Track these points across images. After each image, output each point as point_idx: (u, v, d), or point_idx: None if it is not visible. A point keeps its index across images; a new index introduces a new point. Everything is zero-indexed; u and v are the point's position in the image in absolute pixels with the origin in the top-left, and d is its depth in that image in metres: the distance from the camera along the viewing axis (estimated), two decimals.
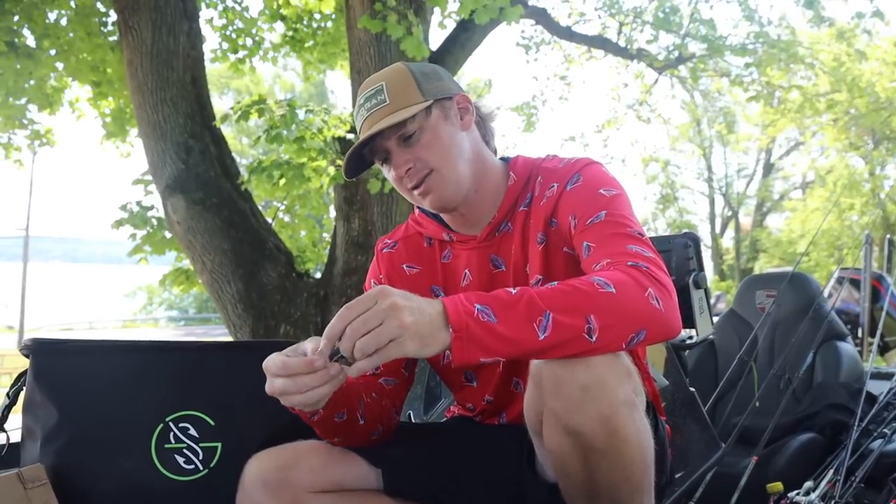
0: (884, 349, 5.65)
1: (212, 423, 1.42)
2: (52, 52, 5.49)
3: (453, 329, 1.00)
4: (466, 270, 1.41)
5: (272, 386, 1.05)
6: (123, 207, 5.33)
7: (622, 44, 8.01)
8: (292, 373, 1.03)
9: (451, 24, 6.03)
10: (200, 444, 1.40)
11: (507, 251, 1.39)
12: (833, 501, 1.79)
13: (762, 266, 23.60)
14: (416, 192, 1.35)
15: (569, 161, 1.40)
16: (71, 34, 5.54)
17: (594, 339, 1.03)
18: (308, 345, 1.08)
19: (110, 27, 5.49)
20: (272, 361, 1.06)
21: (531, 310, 1.02)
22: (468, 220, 1.40)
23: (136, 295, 31.87)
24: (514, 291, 1.05)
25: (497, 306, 1.02)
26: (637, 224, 1.26)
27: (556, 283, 1.08)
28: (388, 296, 0.99)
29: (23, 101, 5.72)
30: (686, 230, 2.21)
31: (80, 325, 26.04)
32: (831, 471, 1.92)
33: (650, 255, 1.18)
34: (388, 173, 1.38)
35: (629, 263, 1.14)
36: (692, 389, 1.89)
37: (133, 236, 5.33)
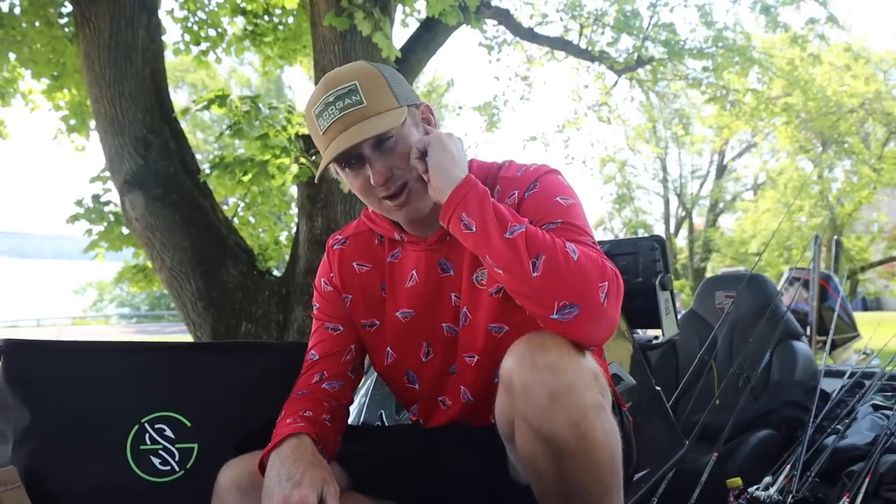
0: (831, 347, 5.83)
1: (188, 424, 1.41)
2: (5, 42, 5.31)
3: (468, 176, 1.20)
4: (414, 272, 1.40)
5: None
6: (79, 203, 5.19)
7: (583, 46, 8.11)
8: None
9: (413, 24, 6.04)
10: (177, 445, 1.39)
11: (459, 256, 1.37)
12: (790, 495, 1.86)
13: (714, 266, 24.12)
14: (390, 202, 1.29)
15: (527, 168, 1.38)
16: (24, 24, 5.37)
17: (535, 273, 1.11)
18: None
19: (67, 18, 5.34)
20: None
21: (514, 216, 1.18)
22: (425, 223, 1.37)
23: (85, 291, 31.12)
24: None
25: (495, 203, 1.20)
26: (592, 234, 1.27)
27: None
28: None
29: None
30: (651, 234, 2.26)
31: (27, 323, 25.30)
32: (788, 466, 1.99)
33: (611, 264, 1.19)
34: (354, 178, 1.30)
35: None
36: (658, 388, 1.94)
37: (89, 232, 5.20)
